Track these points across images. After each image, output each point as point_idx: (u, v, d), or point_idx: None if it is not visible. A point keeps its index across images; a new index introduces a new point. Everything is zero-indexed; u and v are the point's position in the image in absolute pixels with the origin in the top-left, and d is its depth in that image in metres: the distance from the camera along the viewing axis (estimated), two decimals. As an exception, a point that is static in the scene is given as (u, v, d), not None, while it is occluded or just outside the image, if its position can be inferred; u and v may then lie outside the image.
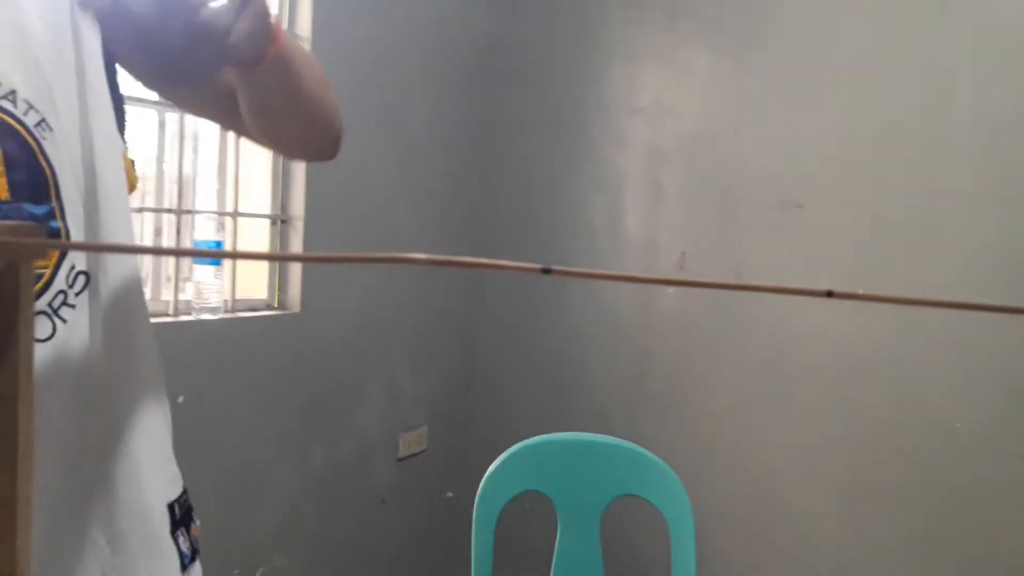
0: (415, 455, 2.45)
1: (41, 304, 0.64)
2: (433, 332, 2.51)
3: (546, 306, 2.54)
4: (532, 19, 2.56)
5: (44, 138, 0.65)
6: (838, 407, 2.12)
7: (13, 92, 0.63)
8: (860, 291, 0.37)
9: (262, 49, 0.71)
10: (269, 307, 2.07)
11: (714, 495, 2.24)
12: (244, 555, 1.96)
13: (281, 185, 2.07)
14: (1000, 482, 1.94)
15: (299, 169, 2.06)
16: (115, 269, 0.71)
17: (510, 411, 2.58)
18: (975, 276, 1.95)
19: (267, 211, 2.06)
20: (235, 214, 2.00)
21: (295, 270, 2.06)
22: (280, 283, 2.07)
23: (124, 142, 0.76)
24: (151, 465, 0.73)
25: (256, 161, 2.05)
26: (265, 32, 0.70)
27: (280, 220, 2.07)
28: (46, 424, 0.62)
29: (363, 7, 2.17)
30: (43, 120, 0.64)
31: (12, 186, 0.63)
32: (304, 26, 2.05)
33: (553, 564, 1.62)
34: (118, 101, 0.75)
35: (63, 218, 0.65)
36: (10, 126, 0.63)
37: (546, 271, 0.37)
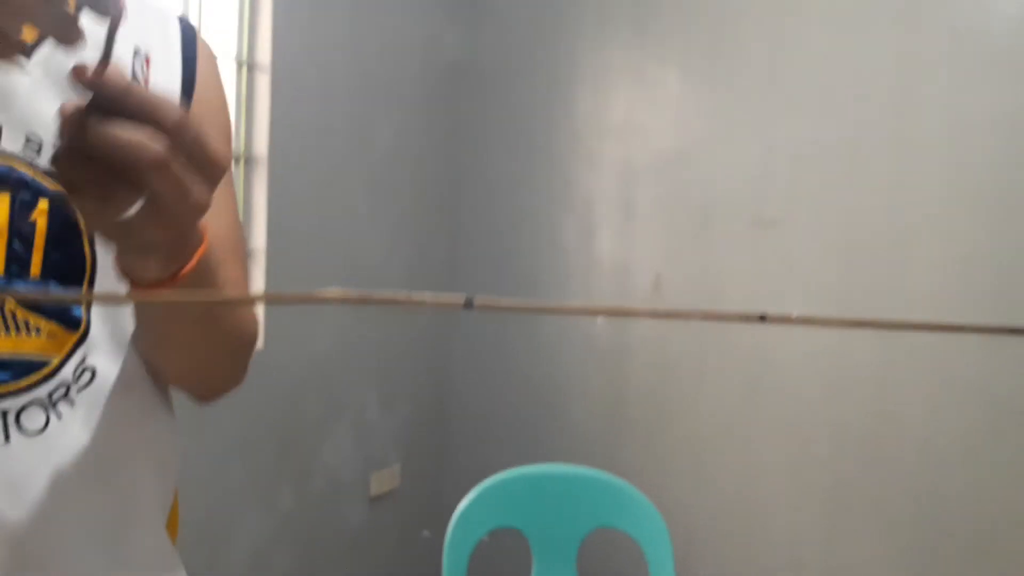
0: (388, 493, 2.36)
1: (40, 394, 0.60)
2: (404, 365, 2.44)
3: (519, 333, 2.47)
4: (500, 38, 2.52)
5: None
6: (820, 427, 2.06)
7: None
8: (794, 314, 0.37)
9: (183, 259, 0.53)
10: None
11: (697, 523, 2.17)
12: (211, 604, 1.87)
13: (242, 212, 2.01)
14: (982, 495, 1.88)
15: (260, 194, 2.00)
16: (130, 369, 0.65)
17: (486, 444, 2.50)
18: (953, 287, 1.91)
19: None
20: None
21: (258, 306, 1.99)
22: (241, 318, 2.00)
23: None
24: None
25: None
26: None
27: (241, 253, 2.00)
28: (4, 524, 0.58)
29: (326, 28, 2.12)
30: None
31: (46, 265, 0.59)
32: (264, 46, 2.00)
33: (528, 604, 1.54)
34: None
35: (88, 309, 0.62)
36: (65, 202, 0.58)
37: (468, 305, 0.36)
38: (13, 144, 0.58)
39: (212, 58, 0.75)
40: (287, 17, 1.99)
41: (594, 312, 0.45)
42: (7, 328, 0.59)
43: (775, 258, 2.11)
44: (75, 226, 0.60)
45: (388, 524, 2.36)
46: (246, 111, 2.00)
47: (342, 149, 2.18)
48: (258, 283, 1.99)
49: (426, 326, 2.52)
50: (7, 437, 0.59)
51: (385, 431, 2.35)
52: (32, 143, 0.59)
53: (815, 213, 2.08)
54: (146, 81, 0.66)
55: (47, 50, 0.60)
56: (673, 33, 2.26)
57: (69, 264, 0.60)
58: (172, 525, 0.73)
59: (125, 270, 0.51)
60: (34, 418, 0.59)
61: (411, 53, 2.41)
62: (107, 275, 0.61)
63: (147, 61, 0.66)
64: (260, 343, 1.98)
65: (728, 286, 2.16)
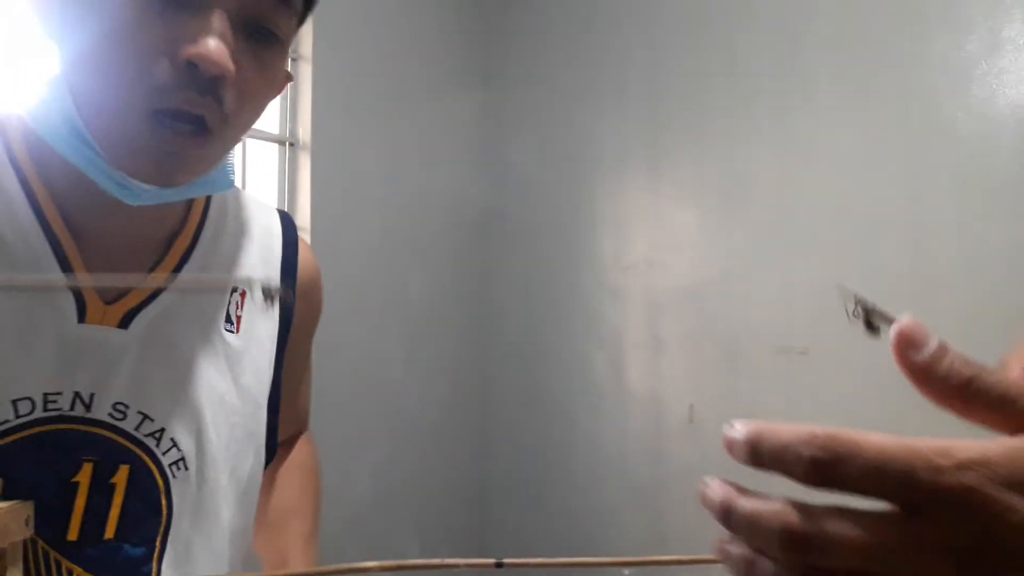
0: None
1: None
2: (441, 508, 2.45)
3: (554, 472, 2.48)
4: (524, 187, 2.64)
5: (175, 476, 0.62)
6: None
7: (161, 431, 0.61)
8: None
9: None
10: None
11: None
12: None
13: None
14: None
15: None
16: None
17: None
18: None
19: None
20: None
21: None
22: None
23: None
24: None
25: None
26: None
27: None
28: None
29: (361, 187, 2.24)
30: (182, 459, 0.62)
31: (123, 520, 0.59)
32: (304, 209, 2.12)
33: None
34: (272, 430, 0.72)
35: (160, 560, 0.60)
36: (145, 465, 0.60)
37: (499, 565, 0.36)
38: (101, 411, 0.59)
39: (315, 278, 0.79)
40: (324, 179, 2.12)
41: (627, 565, 0.45)
42: None
43: (804, 388, 2.14)
44: (154, 485, 0.60)
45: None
46: (286, 267, 2.10)
47: (378, 299, 2.28)
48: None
49: (462, 469, 2.54)
50: None
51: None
52: (119, 410, 0.59)
53: (840, 342, 2.11)
54: (239, 320, 0.67)
55: (148, 317, 0.62)
56: (687, 175, 2.36)
57: (145, 519, 0.60)
58: None
59: None
60: None
61: (441, 205, 2.54)
62: (181, 526, 0.61)
63: (242, 297, 0.68)
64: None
65: (759, 416, 2.17)
